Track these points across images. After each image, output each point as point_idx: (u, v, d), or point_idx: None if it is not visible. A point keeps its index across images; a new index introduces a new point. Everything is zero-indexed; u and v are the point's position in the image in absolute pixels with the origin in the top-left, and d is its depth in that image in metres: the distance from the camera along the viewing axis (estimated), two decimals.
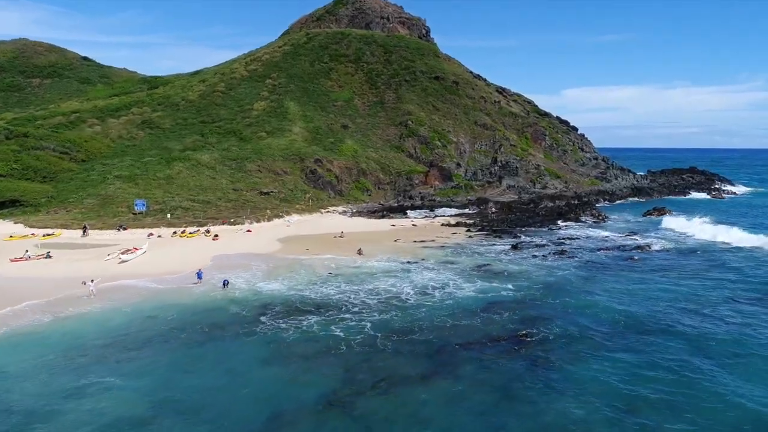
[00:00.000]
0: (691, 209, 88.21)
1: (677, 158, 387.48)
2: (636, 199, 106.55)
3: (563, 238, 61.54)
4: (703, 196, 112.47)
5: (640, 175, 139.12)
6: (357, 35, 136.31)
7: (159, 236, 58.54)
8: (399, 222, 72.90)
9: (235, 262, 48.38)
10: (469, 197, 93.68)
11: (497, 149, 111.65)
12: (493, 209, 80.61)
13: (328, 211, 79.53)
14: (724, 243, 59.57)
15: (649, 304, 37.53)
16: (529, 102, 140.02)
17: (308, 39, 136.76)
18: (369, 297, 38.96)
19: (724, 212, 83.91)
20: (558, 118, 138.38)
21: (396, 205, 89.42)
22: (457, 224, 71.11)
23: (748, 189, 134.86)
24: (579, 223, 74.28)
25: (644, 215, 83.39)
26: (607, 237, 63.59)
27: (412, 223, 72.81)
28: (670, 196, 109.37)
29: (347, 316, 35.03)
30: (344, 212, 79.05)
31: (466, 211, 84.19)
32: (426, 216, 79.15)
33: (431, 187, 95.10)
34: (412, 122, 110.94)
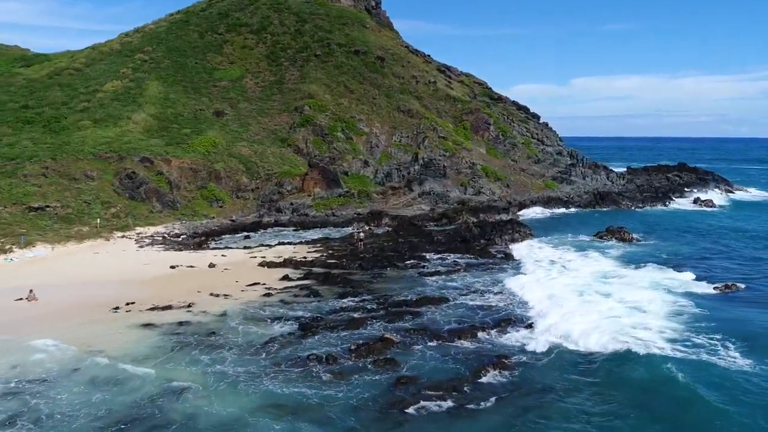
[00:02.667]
0: (650, 230, 63.16)
1: (685, 147, 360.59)
2: (598, 208, 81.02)
3: (411, 310, 35.70)
4: (687, 204, 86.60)
5: (617, 173, 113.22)
6: (268, 1, 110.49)
7: None
8: (215, 256, 48.15)
9: None
10: (359, 210, 68.50)
11: (420, 142, 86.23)
12: (362, 237, 54.98)
13: (129, 236, 54.61)
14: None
15: None
16: (481, 84, 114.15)
17: (208, 5, 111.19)
18: None
19: (690, 243, 57.72)
20: (515, 103, 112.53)
21: (252, 221, 64.40)
22: (284, 263, 46.05)
23: (752, 193, 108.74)
24: (483, 260, 48.95)
25: (593, 237, 58.19)
26: (483, 307, 38.28)
27: (222, 255, 47.92)
28: (645, 206, 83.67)
29: None
30: (145, 239, 53.95)
31: (333, 235, 58.99)
32: (271, 243, 54.18)
33: (309, 195, 69.79)
34: (310, 107, 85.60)
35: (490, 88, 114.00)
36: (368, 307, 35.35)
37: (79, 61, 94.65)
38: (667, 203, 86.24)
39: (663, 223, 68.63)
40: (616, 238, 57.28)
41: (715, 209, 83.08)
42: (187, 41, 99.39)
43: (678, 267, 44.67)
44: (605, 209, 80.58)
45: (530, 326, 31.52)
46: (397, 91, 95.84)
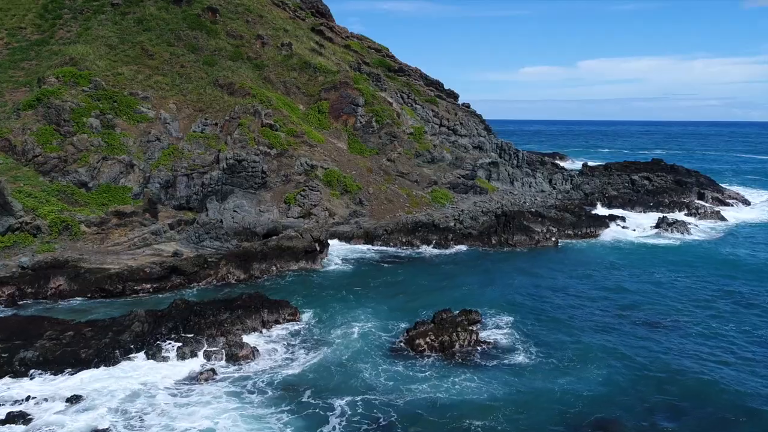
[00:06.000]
0: (532, 314, 32.36)
1: (695, 132, 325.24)
2: (495, 243, 50.22)
3: None
4: (644, 232, 55.37)
5: (567, 174, 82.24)
6: None
7: None
8: None
9: None
10: (39, 258, 37.77)
11: (229, 134, 55.62)
12: None
13: None
14: None
15: None
16: (379, 50, 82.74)
17: None
18: None
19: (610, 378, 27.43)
20: (424, 77, 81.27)
21: None
22: None
23: (759, 203, 77.58)
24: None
25: (394, 345, 27.89)
26: None
27: None
28: (574, 236, 52.79)
29: None
30: None
31: None
32: None
33: None
34: (58, 79, 55.05)
35: (392, 56, 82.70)
36: None
37: None
38: (608, 225, 55.12)
39: (572, 289, 37.99)
40: (435, 349, 26.99)
41: (689, 240, 52.17)
42: None
43: None
44: (504, 249, 49.81)
45: None
46: (226, 57, 65.00)
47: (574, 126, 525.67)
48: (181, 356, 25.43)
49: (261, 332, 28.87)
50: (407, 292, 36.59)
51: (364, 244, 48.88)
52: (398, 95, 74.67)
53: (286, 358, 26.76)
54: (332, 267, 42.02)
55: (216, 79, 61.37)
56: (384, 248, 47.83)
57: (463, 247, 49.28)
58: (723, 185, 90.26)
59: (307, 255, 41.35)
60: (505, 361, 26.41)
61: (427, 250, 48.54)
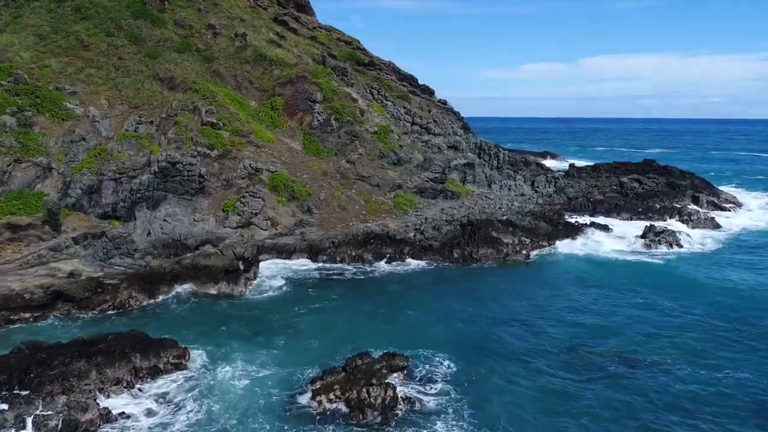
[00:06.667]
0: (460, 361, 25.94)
1: (696, 130, 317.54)
2: (457, 258, 44.31)
3: None
4: (626, 242, 49.23)
5: (554, 176, 76.33)
6: None
7: None
8: None
9: None
10: None
11: (164, 134, 49.73)
12: None
13: None
14: None
15: None
16: (349, 42, 76.66)
17: None
18: None
19: None
20: (396, 71, 75.24)
21: None
22: None
23: (759, 206, 71.81)
24: None
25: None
26: None
27: None
28: (542, 247, 46.80)
29: None
30: None
31: None
32: None
33: None
34: None
35: (363, 49, 76.66)
36: None
37: None
38: (583, 231, 49.17)
39: (535, 322, 32.01)
40: (339, 410, 21.08)
41: (676, 255, 46.19)
42: None
43: None
44: (469, 264, 43.91)
45: None
46: (172, 49, 59.06)
47: (573, 123, 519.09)
48: (1, 424, 19.58)
49: (128, 385, 22.99)
50: (336, 323, 30.70)
51: (307, 258, 43.00)
52: (367, 91, 68.69)
53: (152, 425, 20.93)
54: (259, 290, 36.15)
55: (156, 72, 55.44)
56: (328, 265, 41.94)
57: (421, 263, 43.38)
58: (721, 187, 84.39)
59: (228, 276, 35.46)
60: None
61: (380, 266, 42.63)
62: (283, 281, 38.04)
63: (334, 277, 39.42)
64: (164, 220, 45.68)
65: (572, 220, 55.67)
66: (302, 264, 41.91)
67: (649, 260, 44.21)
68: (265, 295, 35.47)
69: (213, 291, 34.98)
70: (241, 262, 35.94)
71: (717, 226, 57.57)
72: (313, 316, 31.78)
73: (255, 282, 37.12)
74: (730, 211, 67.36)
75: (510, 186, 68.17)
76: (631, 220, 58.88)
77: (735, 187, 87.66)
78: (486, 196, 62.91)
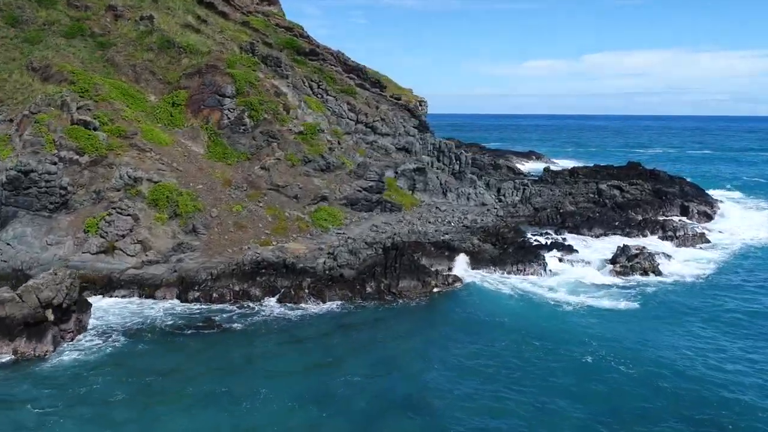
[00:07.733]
0: None
1: (698, 127, 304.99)
2: (373, 294, 34.87)
3: None
4: (594, 270, 39.31)
5: (524, 182, 66.86)
6: None
7: None
8: None
9: None
10: None
11: (18, 135, 40.37)
12: None
13: None
14: None
15: None
16: (290, 28, 67.04)
17: None
18: None
19: None
20: (343, 62, 65.62)
21: None
22: None
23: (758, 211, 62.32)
24: None
25: None
26: None
27: None
28: (481, 278, 37.11)
29: None
30: None
31: None
32: None
33: None
34: None
35: (306, 36, 67.08)
36: None
37: None
38: (532, 263, 39.38)
39: (442, 408, 22.57)
40: None
41: (651, 289, 36.51)
42: None
43: None
44: (389, 302, 34.42)
45: None
46: (59, 33, 49.71)
47: (573, 120, 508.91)
48: None
49: None
50: (156, 416, 21.30)
51: (175, 297, 33.59)
52: (305, 84, 59.24)
53: None
54: (79, 350, 26.77)
55: (30, 60, 46.08)
56: (197, 306, 32.51)
57: (323, 303, 33.80)
58: (717, 191, 75.11)
59: (31, 331, 26.07)
60: None
61: (269, 306, 33.17)
62: (126, 332, 28.67)
63: (198, 325, 29.94)
64: (7, 244, 36.53)
65: (532, 239, 46.18)
66: (166, 305, 32.49)
67: (608, 304, 33.27)
68: (84, 356, 26.13)
69: (5, 352, 25.61)
70: (50, 311, 26.55)
71: (706, 242, 48.15)
72: (141, 393, 22.41)
73: (80, 336, 27.77)
74: (724, 221, 57.81)
75: (469, 194, 58.67)
76: (606, 236, 49.36)
77: (735, 191, 78.16)
78: (437, 208, 53.50)
